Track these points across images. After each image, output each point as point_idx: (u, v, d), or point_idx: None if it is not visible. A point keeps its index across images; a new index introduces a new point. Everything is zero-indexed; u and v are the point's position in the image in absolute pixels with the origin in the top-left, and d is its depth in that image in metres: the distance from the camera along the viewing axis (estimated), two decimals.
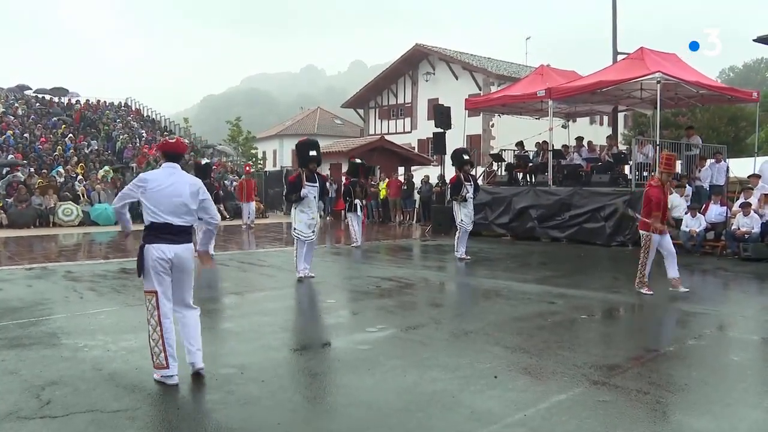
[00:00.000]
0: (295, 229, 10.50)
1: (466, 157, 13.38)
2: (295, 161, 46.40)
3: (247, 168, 25.81)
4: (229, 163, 34.11)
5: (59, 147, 28.95)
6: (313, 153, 10.37)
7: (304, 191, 10.25)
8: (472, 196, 13.31)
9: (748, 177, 15.27)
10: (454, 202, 13.41)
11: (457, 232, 13.37)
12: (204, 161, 15.28)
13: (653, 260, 9.22)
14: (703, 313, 8.06)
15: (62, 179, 24.25)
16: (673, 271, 9.24)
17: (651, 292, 9.00)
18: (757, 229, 13.44)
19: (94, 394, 4.80)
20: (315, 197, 10.48)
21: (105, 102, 39.54)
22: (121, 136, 32.12)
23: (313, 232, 10.60)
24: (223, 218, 16.06)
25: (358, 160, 17.43)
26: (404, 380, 5.21)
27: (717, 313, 8.09)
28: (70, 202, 22.47)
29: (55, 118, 33.41)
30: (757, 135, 20.47)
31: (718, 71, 76.92)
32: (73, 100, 38.39)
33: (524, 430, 4.19)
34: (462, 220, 13.25)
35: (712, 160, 16.60)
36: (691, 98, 18.92)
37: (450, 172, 21.43)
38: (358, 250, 15.32)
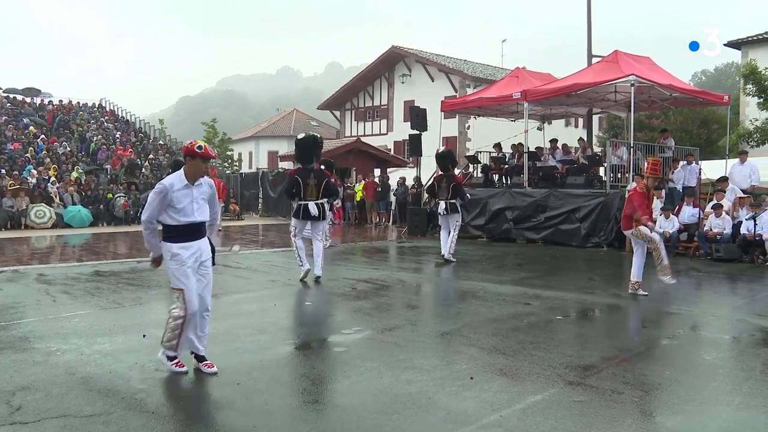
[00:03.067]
0: (295, 227, 10.50)
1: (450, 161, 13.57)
2: (270, 162, 46.35)
3: (213, 171, 25.81)
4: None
5: (31, 148, 28.57)
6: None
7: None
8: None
9: (717, 180, 15.48)
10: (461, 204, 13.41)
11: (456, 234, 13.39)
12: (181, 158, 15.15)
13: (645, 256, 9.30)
14: (677, 313, 8.17)
15: (34, 181, 23.92)
16: (638, 274, 9.30)
17: (675, 280, 9.35)
18: (728, 230, 13.65)
19: (66, 399, 4.73)
20: None
21: (78, 103, 39.04)
22: (95, 138, 31.75)
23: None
24: None
25: (330, 161, 17.44)
26: (380, 382, 5.21)
27: (690, 313, 8.19)
28: (43, 204, 22.17)
29: (26, 119, 32.95)
30: (728, 137, 20.74)
31: (691, 75, 77.83)
32: (46, 101, 37.86)
33: (500, 431, 4.20)
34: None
35: (684, 162, 16.80)
36: (665, 101, 19.14)
37: (425, 174, 21.51)
38: (328, 250, 15.27)
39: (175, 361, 5.38)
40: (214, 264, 5.56)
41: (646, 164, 9.72)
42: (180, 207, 5.27)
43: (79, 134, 32.73)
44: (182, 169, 5.39)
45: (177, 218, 5.29)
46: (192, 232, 5.36)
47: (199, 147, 5.34)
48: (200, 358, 5.46)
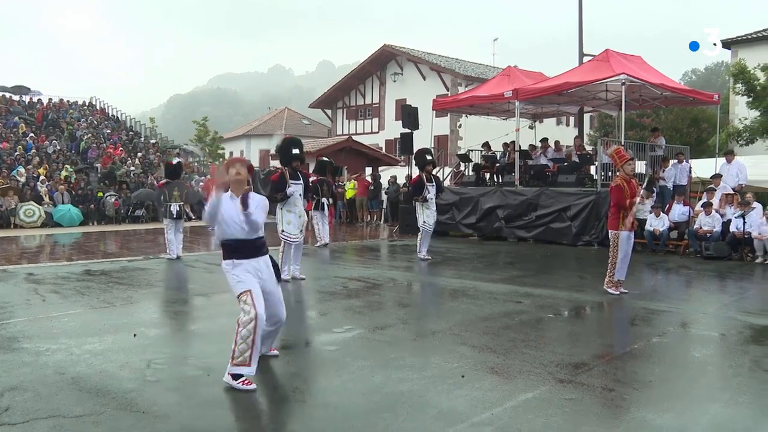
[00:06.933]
0: (282, 231, 10.23)
1: (428, 157, 13.35)
2: (262, 161, 46.24)
3: (213, 168, 25.55)
4: (196, 164, 33.77)
5: (20, 147, 28.41)
6: (296, 151, 10.20)
7: (290, 189, 10.08)
8: (433, 197, 13.25)
9: (711, 177, 15.57)
10: (416, 202, 13.38)
11: (420, 233, 13.37)
12: (175, 161, 15.08)
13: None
14: (667, 311, 8.20)
15: (23, 179, 23.79)
16: (620, 273, 9.31)
17: (618, 292, 9.12)
18: (718, 228, 13.72)
19: (56, 399, 4.71)
20: (300, 195, 10.29)
21: (68, 101, 38.86)
22: (85, 136, 31.61)
23: (301, 231, 10.38)
24: (189, 219, 16.03)
25: (326, 159, 17.41)
26: (371, 381, 5.21)
27: (679, 311, 8.23)
28: (32, 202, 22.06)
29: (15, 117, 32.74)
30: (718, 136, 20.84)
31: (681, 74, 78.10)
32: (35, 99, 37.65)
33: (491, 429, 4.21)
34: (425, 221, 13.22)
35: (675, 161, 16.88)
36: (655, 100, 19.21)
37: (416, 173, 21.48)
38: (325, 249, 15.28)
39: (242, 379, 4.99)
40: (279, 281, 5.45)
41: (612, 160, 9.81)
42: (224, 219, 5.12)
43: (69, 133, 32.59)
44: None
45: (224, 232, 5.15)
46: (240, 249, 5.18)
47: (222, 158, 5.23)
48: None
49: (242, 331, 5.01)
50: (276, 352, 5.77)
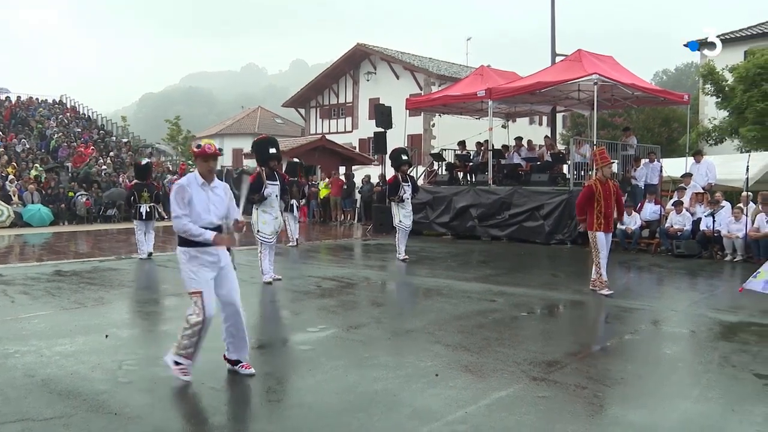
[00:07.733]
0: (258, 231, 10.08)
1: (404, 157, 13.37)
2: (235, 160, 45.95)
3: (183, 167, 25.32)
4: (168, 163, 33.46)
5: None
6: (273, 150, 10.07)
7: (267, 190, 9.94)
8: (409, 197, 13.26)
9: (681, 176, 15.77)
10: (392, 202, 13.37)
11: (397, 233, 13.37)
12: (144, 161, 14.91)
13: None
14: (639, 309, 8.29)
15: None
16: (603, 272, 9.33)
17: (611, 292, 9.05)
18: (688, 227, 13.90)
19: (25, 402, 4.63)
20: (277, 196, 10.17)
21: (38, 99, 38.27)
22: (55, 135, 31.16)
23: (276, 232, 10.29)
24: (161, 219, 15.86)
25: (296, 160, 17.34)
26: (346, 380, 5.20)
27: (651, 309, 8.33)
28: (1, 202, 21.67)
29: None
30: (689, 136, 21.11)
31: (652, 74, 79.04)
32: (3, 97, 37.02)
33: (465, 428, 4.22)
34: (401, 221, 13.22)
35: (647, 160, 17.08)
36: (627, 100, 19.41)
37: (391, 172, 21.52)
38: (295, 249, 15.22)
39: (182, 367, 5.10)
40: (235, 268, 5.38)
41: (594, 159, 9.87)
42: (194, 207, 5.08)
43: (38, 131, 32.11)
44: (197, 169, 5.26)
45: (195, 222, 5.07)
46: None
47: (197, 146, 5.16)
48: (234, 362, 5.34)
49: (188, 331, 5.09)
50: (252, 370, 5.31)
